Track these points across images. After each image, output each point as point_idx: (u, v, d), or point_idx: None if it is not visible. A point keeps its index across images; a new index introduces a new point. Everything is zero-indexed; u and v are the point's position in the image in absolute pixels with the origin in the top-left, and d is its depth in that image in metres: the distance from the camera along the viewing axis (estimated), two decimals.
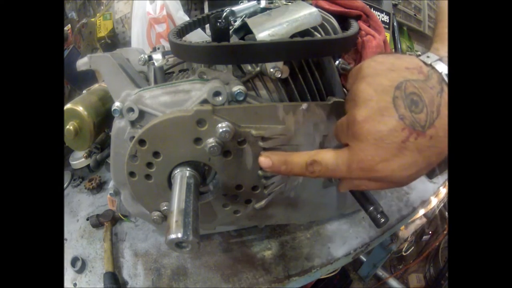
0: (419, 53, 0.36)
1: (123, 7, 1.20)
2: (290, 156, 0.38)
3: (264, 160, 0.40)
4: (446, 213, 1.25)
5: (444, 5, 0.37)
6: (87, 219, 0.76)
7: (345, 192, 0.56)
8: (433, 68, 0.31)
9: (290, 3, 0.51)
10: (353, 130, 0.31)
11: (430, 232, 1.44)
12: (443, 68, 0.31)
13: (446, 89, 0.30)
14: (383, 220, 0.45)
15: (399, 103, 0.29)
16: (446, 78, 0.30)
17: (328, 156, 0.34)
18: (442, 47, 0.33)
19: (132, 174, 0.46)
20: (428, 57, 0.32)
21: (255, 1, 0.57)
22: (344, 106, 0.42)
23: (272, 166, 0.39)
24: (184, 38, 0.56)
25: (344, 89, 0.52)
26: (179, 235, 0.32)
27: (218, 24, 0.43)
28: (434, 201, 0.83)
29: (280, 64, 0.43)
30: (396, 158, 0.29)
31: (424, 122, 0.29)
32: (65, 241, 0.73)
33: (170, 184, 0.46)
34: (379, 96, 0.30)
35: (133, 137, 0.44)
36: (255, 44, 0.39)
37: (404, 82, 0.29)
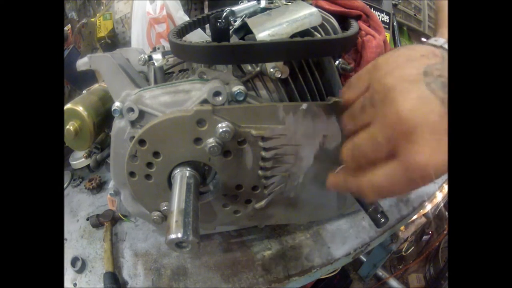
0: (424, 39, 0.36)
1: (123, 7, 1.20)
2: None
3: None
4: (446, 213, 1.25)
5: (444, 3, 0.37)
6: (87, 219, 0.76)
7: (345, 192, 0.56)
8: (444, 49, 0.30)
9: (290, 3, 0.51)
10: (401, 129, 0.26)
11: (430, 232, 1.44)
12: None
13: None
14: (383, 220, 0.45)
15: (434, 88, 0.26)
16: None
17: (381, 179, 0.28)
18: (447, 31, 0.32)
19: (132, 174, 0.46)
20: (436, 40, 0.32)
21: (255, 1, 0.57)
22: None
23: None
24: (184, 38, 0.56)
25: None
26: (179, 235, 0.32)
27: (218, 24, 0.43)
28: (434, 201, 0.83)
29: (280, 64, 0.43)
30: (445, 147, 0.25)
31: None
32: (65, 241, 0.73)
33: (170, 184, 0.46)
34: (413, 85, 0.26)
35: (133, 137, 0.44)
36: (255, 44, 0.39)
37: (428, 68, 0.28)
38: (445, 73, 0.27)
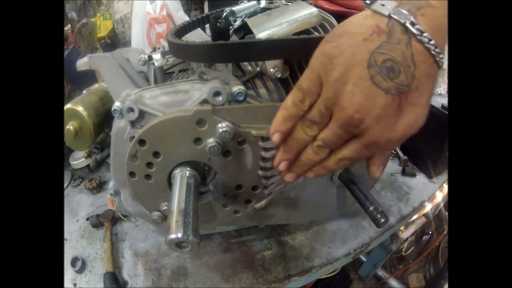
0: (367, 1, 0.31)
1: (123, 7, 1.20)
2: None
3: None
4: (446, 213, 1.25)
5: None
6: (87, 219, 0.76)
7: (345, 192, 0.56)
8: (391, 18, 0.29)
9: (290, 3, 0.51)
10: (353, 125, 0.31)
11: (430, 232, 1.44)
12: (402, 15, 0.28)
13: (412, 36, 0.28)
14: (383, 220, 0.45)
15: (378, 80, 0.28)
16: (411, 27, 0.28)
17: (350, 154, 0.34)
18: None
19: (132, 174, 0.46)
20: (383, 5, 0.29)
21: (255, 1, 0.57)
22: None
23: None
24: (183, 38, 0.56)
25: None
26: (179, 235, 0.32)
27: (218, 24, 0.43)
28: (434, 201, 0.83)
29: (280, 64, 0.43)
30: (400, 122, 0.30)
31: (406, 81, 0.28)
32: (65, 241, 0.73)
33: (170, 184, 0.46)
34: (358, 86, 0.29)
35: (133, 137, 0.44)
36: (252, 42, 0.39)
37: (371, 56, 0.28)
38: (392, 52, 0.28)
